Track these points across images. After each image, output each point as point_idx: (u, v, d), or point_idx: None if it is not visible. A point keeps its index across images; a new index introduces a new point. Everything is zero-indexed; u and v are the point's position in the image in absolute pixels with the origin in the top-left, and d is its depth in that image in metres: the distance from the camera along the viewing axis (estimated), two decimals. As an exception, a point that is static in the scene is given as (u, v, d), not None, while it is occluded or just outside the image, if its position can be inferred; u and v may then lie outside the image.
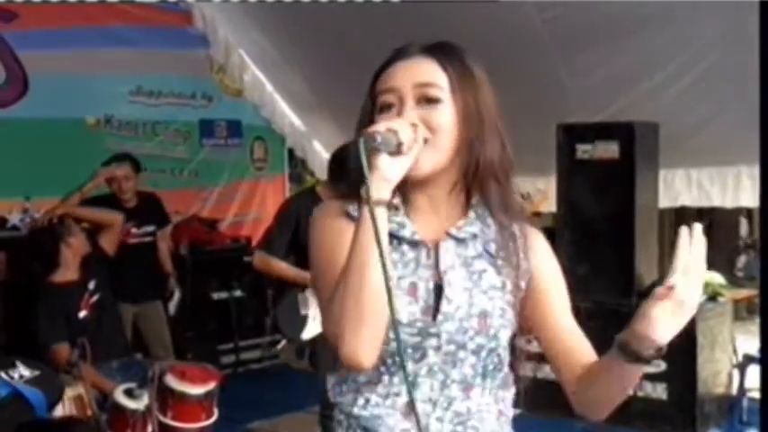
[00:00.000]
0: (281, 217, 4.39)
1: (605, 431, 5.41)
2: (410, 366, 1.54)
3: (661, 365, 5.18)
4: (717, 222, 9.07)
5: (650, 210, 5.77)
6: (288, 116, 8.11)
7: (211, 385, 4.27)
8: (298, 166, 8.93)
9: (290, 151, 8.54)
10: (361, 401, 1.60)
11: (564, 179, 5.75)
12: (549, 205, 6.24)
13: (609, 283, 5.51)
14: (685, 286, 1.44)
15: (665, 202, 6.20)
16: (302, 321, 4.29)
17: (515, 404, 1.71)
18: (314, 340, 4.29)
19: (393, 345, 1.49)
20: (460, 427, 1.58)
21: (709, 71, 5.30)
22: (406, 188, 1.58)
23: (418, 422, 1.53)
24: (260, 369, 7.20)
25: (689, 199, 6.46)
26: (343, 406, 1.63)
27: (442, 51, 1.64)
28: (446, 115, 1.57)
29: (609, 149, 5.51)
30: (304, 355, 4.80)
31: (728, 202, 6.26)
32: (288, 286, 4.37)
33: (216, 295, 6.95)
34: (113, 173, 5.55)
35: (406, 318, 1.54)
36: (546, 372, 5.24)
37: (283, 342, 7.05)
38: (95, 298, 4.69)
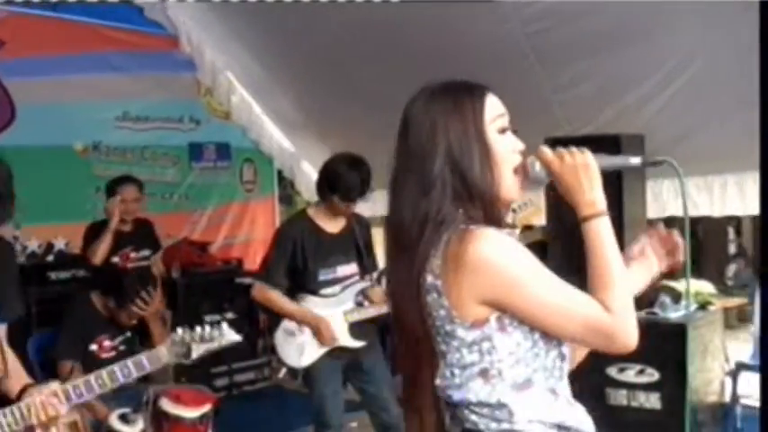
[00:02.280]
0: (277, 245, 4.37)
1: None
2: (558, 362, 1.76)
3: (654, 375, 5.22)
4: (705, 232, 9.12)
5: (639, 221, 5.78)
6: (276, 137, 8.13)
7: (206, 408, 4.28)
8: (287, 187, 8.94)
9: (280, 173, 8.56)
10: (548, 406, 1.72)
11: (552, 193, 5.74)
12: (540, 219, 6.27)
13: (600, 295, 5.52)
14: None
15: (653, 212, 6.22)
16: (300, 347, 4.30)
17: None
18: (312, 365, 4.30)
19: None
20: None
21: (692, 81, 5.34)
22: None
23: None
24: (254, 391, 7.20)
25: (677, 209, 6.49)
26: (535, 416, 1.71)
27: None
28: None
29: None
30: (298, 375, 4.80)
31: (716, 212, 6.28)
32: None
33: (208, 318, 6.92)
34: (123, 197, 5.64)
35: None
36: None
37: (284, 370, 7.05)
38: (119, 350, 4.66)
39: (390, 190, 1.79)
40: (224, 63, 7.57)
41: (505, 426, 1.68)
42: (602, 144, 5.48)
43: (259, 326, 7.13)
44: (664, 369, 5.20)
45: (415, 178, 1.73)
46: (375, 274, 4.71)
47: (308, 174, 8.06)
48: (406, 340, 1.76)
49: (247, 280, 6.05)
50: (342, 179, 4.18)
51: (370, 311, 4.41)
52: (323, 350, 4.28)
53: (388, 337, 5.63)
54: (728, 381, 5.48)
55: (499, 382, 1.67)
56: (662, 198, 6.39)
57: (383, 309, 4.46)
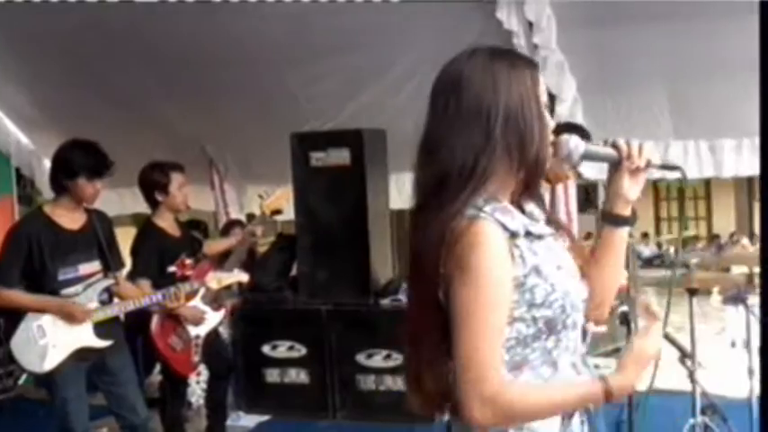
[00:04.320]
0: (10, 244, 4.14)
1: (352, 428, 5.62)
2: (570, 334, 1.74)
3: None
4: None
5: (382, 213, 6.04)
6: (13, 134, 7.68)
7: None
8: (27, 187, 8.46)
9: (19, 171, 8.10)
10: None
11: (300, 187, 5.88)
12: (288, 213, 6.35)
13: (347, 285, 5.73)
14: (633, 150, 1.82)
15: (398, 204, 6.48)
16: (42, 351, 4.11)
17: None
18: (55, 369, 4.13)
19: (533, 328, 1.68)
20: None
21: (426, 80, 5.62)
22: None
23: None
24: (-7, 403, 6.77)
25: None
26: None
27: None
28: None
29: (341, 156, 5.73)
30: (43, 384, 4.59)
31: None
32: (21, 315, 4.15)
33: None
34: None
35: (581, 295, 1.76)
36: (292, 377, 5.32)
37: (24, 376, 6.67)
38: None
39: (427, 151, 1.74)
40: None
41: None
42: (346, 138, 5.73)
43: (-1, 334, 6.71)
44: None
45: (468, 131, 1.68)
46: (123, 272, 4.60)
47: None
48: (419, 295, 1.69)
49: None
50: (78, 160, 4.08)
51: (116, 310, 4.31)
52: (66, 353, 4.13)
53: (138, 337, 5.49)
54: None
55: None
56: (405, 190, 6.67)
57: (129, 307, 4.38)
